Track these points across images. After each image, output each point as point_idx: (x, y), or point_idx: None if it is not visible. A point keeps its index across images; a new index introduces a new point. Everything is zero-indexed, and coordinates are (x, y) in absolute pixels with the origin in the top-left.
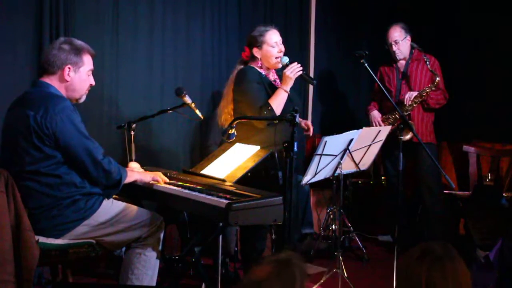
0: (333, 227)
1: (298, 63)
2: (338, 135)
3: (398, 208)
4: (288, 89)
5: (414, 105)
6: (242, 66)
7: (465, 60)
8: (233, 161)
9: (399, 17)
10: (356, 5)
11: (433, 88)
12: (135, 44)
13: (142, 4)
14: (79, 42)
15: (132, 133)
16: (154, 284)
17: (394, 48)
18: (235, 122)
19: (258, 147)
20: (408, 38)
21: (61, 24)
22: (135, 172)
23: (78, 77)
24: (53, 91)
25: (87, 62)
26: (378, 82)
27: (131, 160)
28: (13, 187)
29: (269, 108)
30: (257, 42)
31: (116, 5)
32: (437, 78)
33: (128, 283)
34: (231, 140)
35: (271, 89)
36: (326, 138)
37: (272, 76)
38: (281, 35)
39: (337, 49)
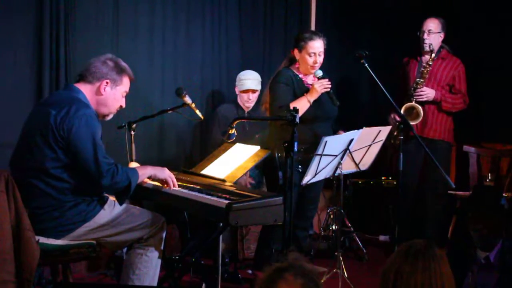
0: (333, 227)
1: (328, 80)
2: (338, 135)
3: (398, 208)
4: (311, 100)
5: (419, 86)
6: (287, 63)
7: (465, 60)
8: (233, 161)
9: (399, 17)
10: (356, 5)
11: (430, 63)
12: (135, 44)
13: (142, 4)
14: (123, 64)
15: (132, 133)
16: (155, 284)
17: (425, 36)
18: (235, 122)
19: (258, 147)
20: (442, 35)
21: (61, 24)
22: (148, 168)
23: (113, 94)
24: (81, 97)
25: (125, 83)
26: (378, 81)
27: (131, 160)
28: (13, 187)
29: (286, 110)
30: (299, 45)
31: (116, 5)
32: (433, 55)
33: (129, 284)
34: (231, 140)
35: (303, 92)
36: (327, 138)
37: (312, 81)
38: (281, 35)
39: (337, 49)
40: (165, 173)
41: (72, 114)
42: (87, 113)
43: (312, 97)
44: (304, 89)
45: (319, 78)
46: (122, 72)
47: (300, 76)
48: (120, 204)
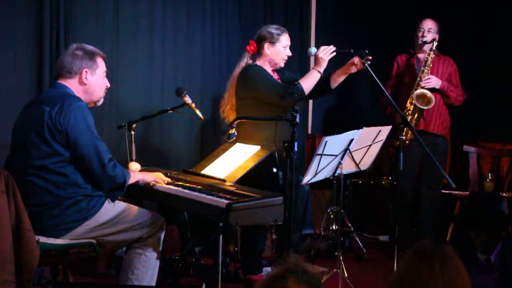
0: (333, 227)
1: (331, 46)
2: (338, 135)
3: (398, 208)
4: (321, 70)
5: (426, 75)
6: (250, 60)
7: (466, 60)
8: (233, 161)
9: (399, 17)
10: (356, 5)
11: (433, 49)
12: (135, 44)
13: (142, 4)
14: (90, 47)
15: (133, 133)
16: (154, 284)
17: (426, 33)
18: (235, 122)
19: (258, 147)
20: (437, 36)
21: (61, 24)
22: (137, 173)
23: (96, 80)
24: (69, 92)
25: (101, 64)
26: (378, 81)
27: (131, 160)
28: (13, 187)
29: (298, 87)
30: (272, 39)
31: (116, 5)
32: (435, 43)
33: (128, 283)
34: (231, 140)
35: None
36: (327, 138)
37: (275, 76)
38: None
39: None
40: (152, 176)
41: (66, 108)
42: (81, 105)
43: (321, 67)
44: None
45: (314, 55)
46: (93, 56)
47: (269, 72)
48: (112, 200)
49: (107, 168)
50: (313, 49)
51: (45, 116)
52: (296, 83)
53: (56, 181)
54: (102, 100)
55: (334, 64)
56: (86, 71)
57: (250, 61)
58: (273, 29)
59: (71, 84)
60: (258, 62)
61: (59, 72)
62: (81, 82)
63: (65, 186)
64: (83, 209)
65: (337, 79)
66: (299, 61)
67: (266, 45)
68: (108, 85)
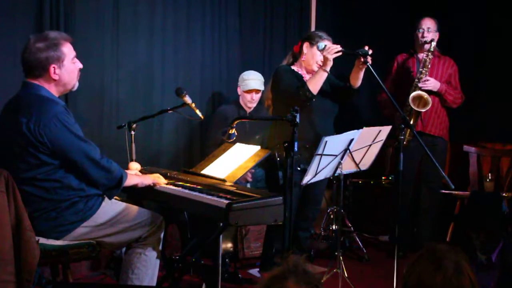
0: (333, 227)
1: (337, 45)
2: (338, 135)
3: (398, 208)
4: (327, 69)
5: (424, 76)
6: (291, 59)
7: (466, 60)
8: (233, 161)
9: (400, 16)
10: (356, 5)
11: (431, 50)
12: (135, 44)
13: (142, 4)
14: (52, 35)
15: (133, 133)
16: (154, 284)
17: (425, 34)
18: (235, 122)
19: (258, 147)
20: (437, 34)
21: (61, 24)
22: (135, 176)
23: (65, 71)
24: (44, 94)
25: (68, 51)
26: (379, 80)
27: (131, 160)
28: (13, 187)
29: (305, 88)
30: (313, 40)
31: (116, 5)
32: (433, 43)
33: (128, 283)
34: (231, 140)
35: None
36: (327, 138)
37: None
38: (281, 35)
39: None
40: (150, 179)
41: (44, 118)
42: (58, 110)
43: (326, 66)
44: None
45: (322, 50)
46: (57, 45)
47: (301, 73)
48: (110, 198)
49: (101, 164)
50: (321, 44)
51: (23, 128)
52: (303, 83)
53: (48, 187)
54: (77, 85)
55: (337, 64)
56: (53, 67)
57: (291, 59)
58: (319, 32)
59: (42, 83)
60: (296, 64)
61: (27, 70)
62: (52, 79)
63: (58, 190)
64: (81, 210)
65: (355, 76)
66: None
67: (305, 44)
68: (81, 66)
